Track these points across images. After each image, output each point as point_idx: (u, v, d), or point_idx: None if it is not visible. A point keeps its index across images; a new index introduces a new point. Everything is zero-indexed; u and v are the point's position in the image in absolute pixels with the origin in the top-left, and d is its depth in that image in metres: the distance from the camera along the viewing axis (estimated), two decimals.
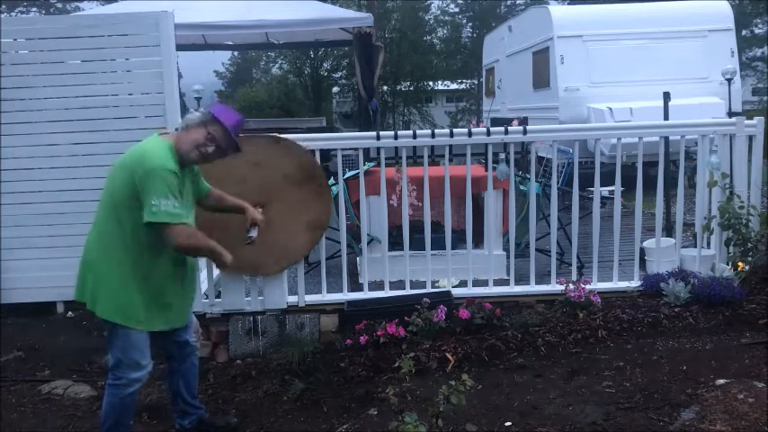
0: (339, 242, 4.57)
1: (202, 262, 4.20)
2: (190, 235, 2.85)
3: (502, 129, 4.35)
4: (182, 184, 2.85)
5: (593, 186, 4.53)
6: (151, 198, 2.71)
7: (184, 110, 4.42)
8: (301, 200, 3.99)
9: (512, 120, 5.16)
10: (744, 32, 20.96)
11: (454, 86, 30.22)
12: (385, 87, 24.20)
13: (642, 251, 4.65)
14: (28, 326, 4.76)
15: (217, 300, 4.31)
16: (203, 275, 4.28)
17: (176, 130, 2.98)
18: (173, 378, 3.26)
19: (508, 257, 4.57)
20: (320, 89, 28.27)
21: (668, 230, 5.26)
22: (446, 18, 28.65)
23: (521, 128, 4.35)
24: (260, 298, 4.30)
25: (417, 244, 4.48)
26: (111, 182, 2.85)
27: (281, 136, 4.10)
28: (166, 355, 3.24)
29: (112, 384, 2.93)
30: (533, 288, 4.45)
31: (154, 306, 2.93)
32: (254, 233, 3.28)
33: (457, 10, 28.49)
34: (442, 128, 7.19)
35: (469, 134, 4.35)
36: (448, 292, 4.32)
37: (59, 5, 23.99)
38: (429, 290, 4.37)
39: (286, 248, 4.07)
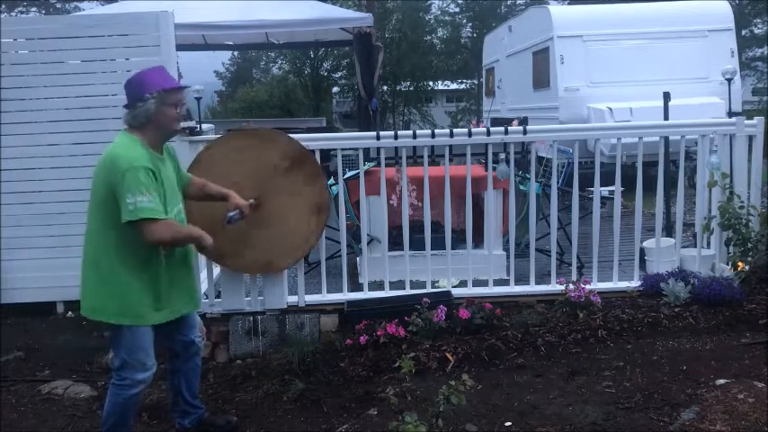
0: (339, 242, 4.57)
1: (202, 262, 4.21)
2: (167, 227, 2.80)
3: (502, 129, 4.35)
4: (158, 176, 2.83)
5: (593, 186, 4.53)
6: (126, 197, 2.70)
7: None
8: (296, 188, 3.95)
9: (512, 120, 5.17)
10: (744, 32, 20.94)
11: (454, 86, 30.24)
12: (385, 87, 24.21)
13: (642, 251, 4.65)
14: (28, 326, 4.76)
15: (217, 300, 4.31)
16: (203, 275, 4.29)
17: (128, 126, 2.90)
18: (175, 377, 3.26)
19: (508, 257, 4.57)
20: (320, 89, 28.29)
21: (668, 230, 5.26)
22: (446, 18, 28.65)
23: (521, 128, 4.35)
24: (260, 298, 4.30)
25: (417, 244, 4.48)
26: (93, 183, 2.87)
27: (258, 129, 4.07)
28: (170, 354, 3.24)
29: (117, 385, 2.92)
30: (533, 288, 4.45)
31: (156, 298, 2.92)
32: (234, 215, 3.27)
33: (457, 10, 28.48)
34: (442, 128, 7.19)
35: (469, 134, 4.35)
36: (448, 292, 4.32)
37: (59, 5, 23.97)
38: (429, 290, 4.37)
39: (295, 239, 4.03)
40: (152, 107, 2.83)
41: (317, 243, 4.17)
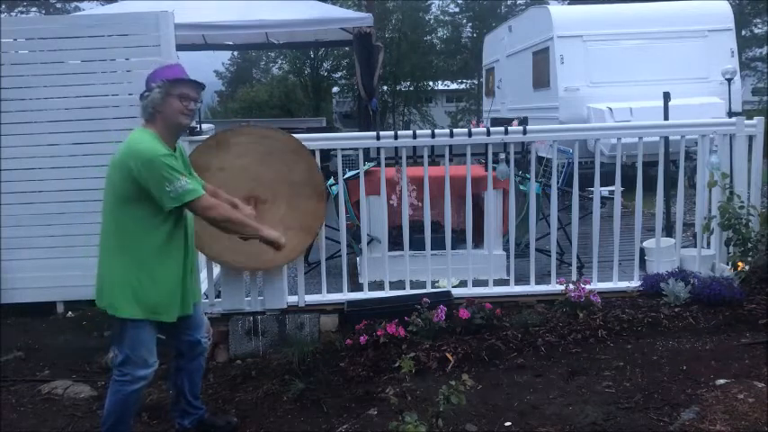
0: (339, 242, 4.57)
1: (202, 263, 4.20)
2: (211, 206, 2.90)
3: (502, 129, 4.35)
4: (180, 165, 2.89)
5: (593, 186, 4.53)
6: (164, 187, 2.76)
7: None
8: (298, 206, 3.97)
9: (512, 120, 5.17)
10: (744, 32, 20.93)
11: (454, 86, 30.25)
12: (385, 87, 24.22)
13: (642, 251, 4.65)
14: (28, 326, 4.76)
15: (217, 300, 4.31)
16: (203, 275, 4.28)
17: (144, 120, 2.96)
18: (178, 377, 3.26)
19: (508, 257, 4.57)
20: (320, 89, 28.29)
21: (668, 230, 5.26)
22: (446, 18, 28.67)
23: (521, 128, 4.35)
24: (260, 298, 4.30)
25: (417, 244, 4.48)
26: (111, 181, 2.88)
27: (296, 137, 4.06)
28: (176, 353, 3.24)
29: (117, 381, 2.93)
30: (533, 288, 4.45)
31: (169, 294, 2.94)
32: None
33: (457, 10, 28.51)
34: (442, 128, 7.19)
35: (469, 134, 4.35)
36: (448, 292, 4.32)
37: (59, 5, 23.96)
38: (429, 290, 4.37)
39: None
40: (157, 97, 2.88)
41: (317, 242, 4.17)
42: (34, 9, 23.42)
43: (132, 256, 2.85)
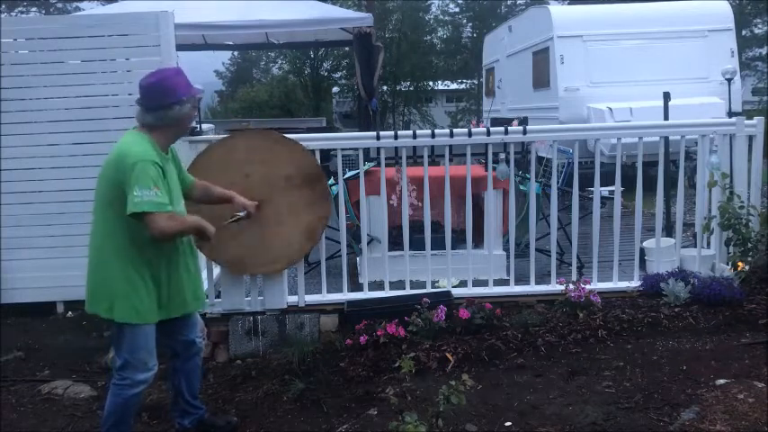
0: (339, 242, 4.57)
1: (202, 263, 4.20)
2: (169, 217, 2.80)
3: (502, 129, 4.36)
4: (164, 173, 2.84)
5: (593, 186, 4.53)
6: (133, 190, 2.71)
7: None
8: (300, 202, 3.98)
9: (512, 120, 5.17)
10: (744, 32, 20.93)
11: (454, 86, 30.26)
12: (385, 87, 24.22)
13: (642, 251, 4.65)
14: (28, 326, 4.76)
15: (217, 300, 4.31)
16: (203, 275, 4.28)
17: (144, 125, 2.93)
18: (176, 377, 3.26)
19: (508, 257, 4.57)
20: (320, 89, 28.31)
21: (668, 230, 5.26)
22: (446, 18, 28.67)
23: (521, 128, 4.35)
24: (260, 298, 4.30)
25: (417, 244, 4.48)
26: (101, 182, 2.87)
27: (285, 136, 4.08)
28: (171, 353, 3.24)
29: (117, 384, 2.93)
30: (533, 288, 4.45)
31: (159, 297, 2.93)
32: (240, 215, 3.30)
33: (457, 10, 28.51)
34: (442, 128, 7.19)
35: (469, 134, 4.35)
36: (448, 292, 4.32)
37: (59, 5, 23.97)
38: (429, 290, 4.37)
39: (284, 248, 4.05)
40: (186, 110, 2.91)
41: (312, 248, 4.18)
42: (34, 9, 23.42)
43: (126, 258, 2.84)
